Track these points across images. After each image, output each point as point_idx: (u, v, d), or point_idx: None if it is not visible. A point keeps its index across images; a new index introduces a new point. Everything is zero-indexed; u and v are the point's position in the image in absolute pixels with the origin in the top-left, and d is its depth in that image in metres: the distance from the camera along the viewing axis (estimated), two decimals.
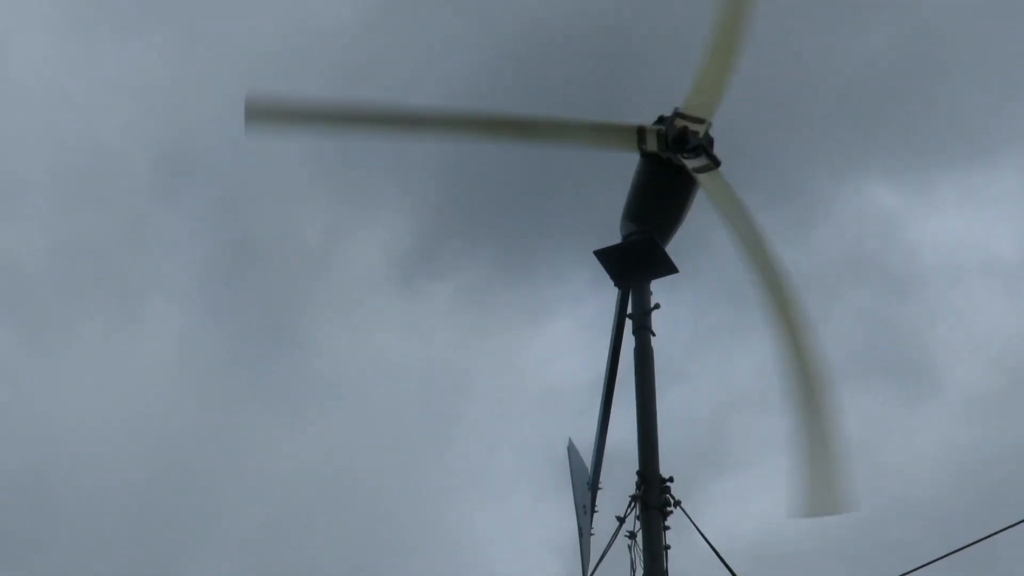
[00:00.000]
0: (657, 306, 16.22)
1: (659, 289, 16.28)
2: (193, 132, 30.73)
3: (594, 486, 16.68)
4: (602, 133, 16.29)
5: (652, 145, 16.17)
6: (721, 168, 16.13)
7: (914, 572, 14.51)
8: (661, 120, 16.36)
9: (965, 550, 14.54)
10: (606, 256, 16.17)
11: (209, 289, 30.91)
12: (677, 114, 16.22)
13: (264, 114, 15.80)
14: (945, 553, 14.53)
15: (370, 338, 30.35)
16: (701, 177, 15.98)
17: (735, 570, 15.54)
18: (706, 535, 15.60)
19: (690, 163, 16.01)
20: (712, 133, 16.32)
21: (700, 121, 16.19)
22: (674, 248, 16.26)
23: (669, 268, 16.21)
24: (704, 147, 16.17)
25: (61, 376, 31.08)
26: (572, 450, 17.07)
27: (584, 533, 16.42)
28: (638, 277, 16.21)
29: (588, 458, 16.81)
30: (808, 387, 15.28)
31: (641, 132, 16.23)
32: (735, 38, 16.36)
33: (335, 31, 29.24)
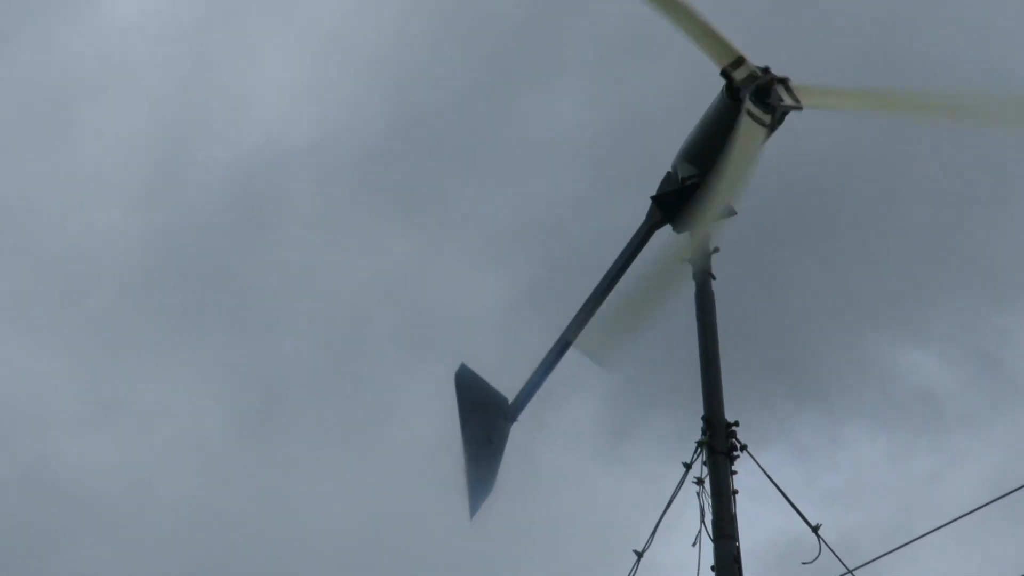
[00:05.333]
0: (717, 249, 15.95)
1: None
2: (431, 306, 32.51)
3: (513, 416, 16.37)
4: (711, 36, 15.75)
5: (740, 75, 15.66)
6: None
7: None
8: (766, 70, 15.74)
9: None
10: (664, 200, 16.05)
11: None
12: (785, 82, 15.71)
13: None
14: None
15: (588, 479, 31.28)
16: (747, 119, 15.49)
17: (804, 513, 15.29)
18: (774, 479, 15.42)
19: (752, 107, 15.53)
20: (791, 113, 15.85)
21: (796, 102, 15.78)
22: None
23: (727, 210, 15.82)
24: (776, 109, 15.62)
25: (309, 478, 32.41)
26: (466, 375, 16.45)
27: (471, 464, 16.00)
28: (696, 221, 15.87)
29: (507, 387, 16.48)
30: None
31: (740, 60, 15.69)
32: (891, 107, 16.18)
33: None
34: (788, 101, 15.86)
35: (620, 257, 16.53)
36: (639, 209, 16.75)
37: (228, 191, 34.76)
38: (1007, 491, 14.68)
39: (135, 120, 35.85)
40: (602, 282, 16.66)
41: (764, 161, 16.50)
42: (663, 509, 15.53)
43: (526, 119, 32.74)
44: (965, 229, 29.45)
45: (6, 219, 35.33)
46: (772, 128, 15.89)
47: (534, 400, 16.48)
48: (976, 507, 14.82)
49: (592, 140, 30.52)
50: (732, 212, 15.95)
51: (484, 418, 16.28)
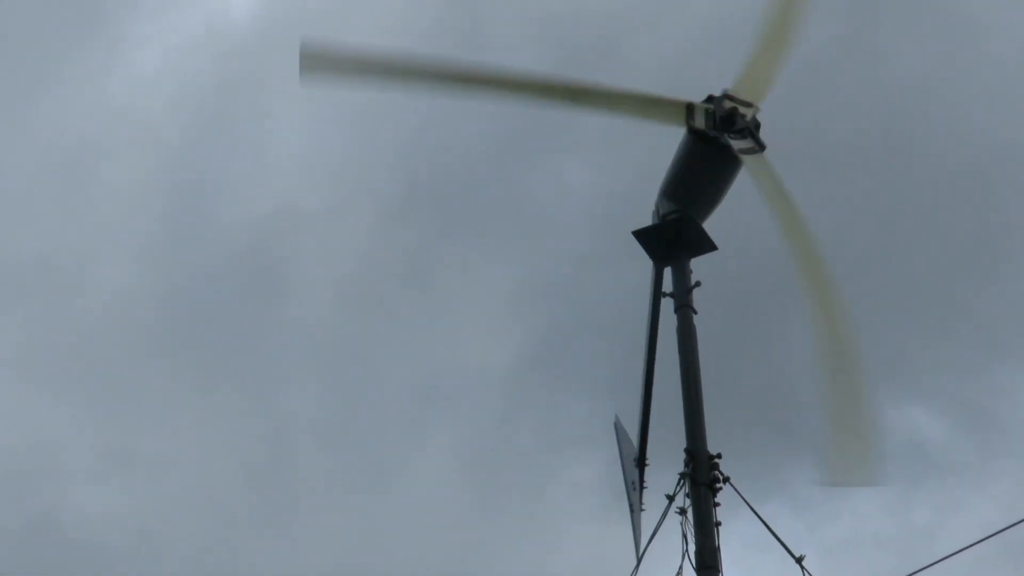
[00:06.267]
0: (698, 284, 16.14)
1: None
2: (440, 365, 32.95)
3: (641, 462, 16.69)
4: (651, 105, 16.19)
5: (700, 122, 16.04)
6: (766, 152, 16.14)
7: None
8: (710, 99, 16.26)
9: None
10: (645, 236, 16.25)
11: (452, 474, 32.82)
12: (726, 95, 16.14)
13: (319, 63, 15.86)
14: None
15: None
16: (746, 158, 15.84)
17: (787, 544, 15.35)
18: (757, 510, 15.48)
19: (736, 144, 15.92)
20: (759, 118, 16.30)
21: (748, 105, 16.15)
22: None
23: (708, 245, 16.17)
24: (751, 129, 16.09)
25: (318, 531, 32.61)
26: (619, 427, 17.01)
27: (635, 509, 16.37)
28: (678, 256, 16.18)
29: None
30: (841, 362, 15.17)
31: (690, 108, 16.12)
32: (787, 29, 16.51)
33: None
34: (747, 112, 16.26)
35: (651, 301, 16.68)
36: (643, 274, 17.03)
37: (242, 250, 35.09)
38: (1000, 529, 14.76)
39: (151, 179, 36.25)
40: (649, 324, 16.76)
41: (757, 213, 16.79)
42: (647, 540, 15.68)
43: (536, 187, 33.15)
44: (957, 286, 29.74)
45: (23, 275, 35.71)
46: (762, 145, 16.19)
47: (546, 452, 16.86)
48: (965, 546, 14.86)
49: (599, 207, 30.89)
50: (713, 247, 16.19)
51: (630, 466, 16.91)
